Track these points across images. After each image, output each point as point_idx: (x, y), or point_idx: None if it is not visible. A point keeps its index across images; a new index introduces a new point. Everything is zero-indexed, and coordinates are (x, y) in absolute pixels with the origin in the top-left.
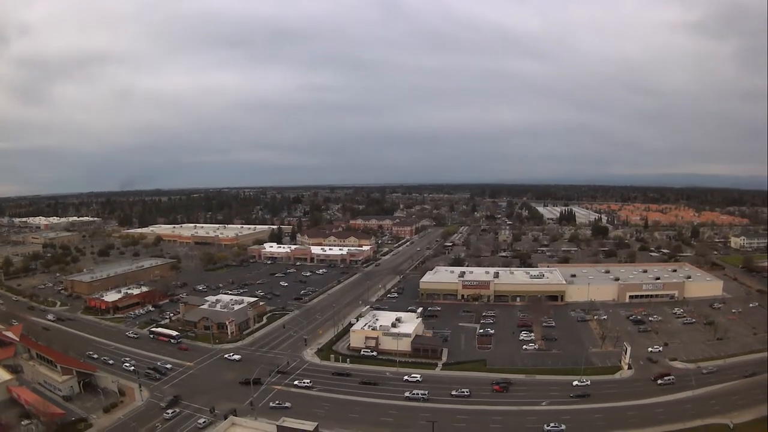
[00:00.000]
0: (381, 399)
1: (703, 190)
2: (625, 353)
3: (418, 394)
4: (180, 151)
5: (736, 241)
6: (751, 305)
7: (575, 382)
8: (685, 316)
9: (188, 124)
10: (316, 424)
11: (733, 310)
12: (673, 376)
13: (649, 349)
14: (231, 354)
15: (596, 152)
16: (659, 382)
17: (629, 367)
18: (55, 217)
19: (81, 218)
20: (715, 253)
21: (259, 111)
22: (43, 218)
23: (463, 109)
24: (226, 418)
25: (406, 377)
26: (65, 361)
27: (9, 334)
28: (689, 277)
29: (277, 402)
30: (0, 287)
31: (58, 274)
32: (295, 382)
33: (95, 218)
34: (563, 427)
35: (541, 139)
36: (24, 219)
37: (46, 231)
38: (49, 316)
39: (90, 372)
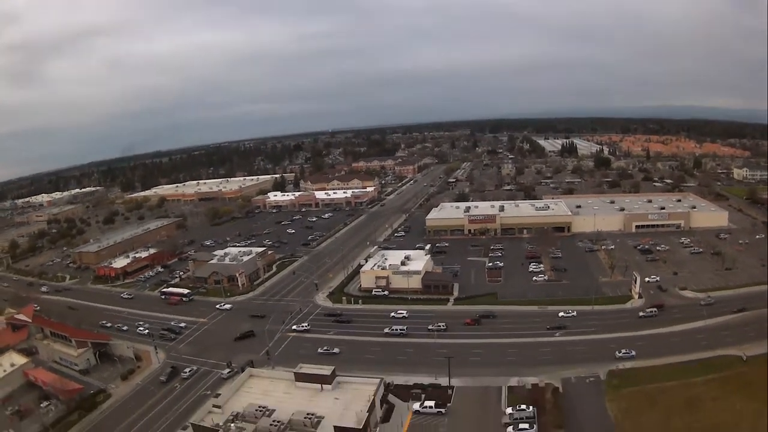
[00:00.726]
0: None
1: (702, 121)
2: (635, 283)
3: (396, 329)
4: (178, 111)
5: (738, 173)
6: (757, 237)
7: (561, 314)
8: (692, 246)
9: (185, 83)
10: (333, 368)
11: (740, 241)
12: (655, 309)
13: (647, 279)
14: (222, 304)
15: (596, 85)
16: (640, 314)
17: (639, 297)
18: (57, 192)
19: (83, 189)
20: (719, 183)
21: (256, 63)
22: (45, 195)
23: (464, 47)
24: (243, 371)
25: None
26: (79, 334)
27: (21, 316)
28: (694, 207)
29: (325, 348)
30: (8, 270)
31: (65, 249)
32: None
33: (98, 187)
34: (633, 353)
35: (541, 75)
36: (26, 199)
37: (50, 207)
38: (43, 288)
39: (105, 341)
